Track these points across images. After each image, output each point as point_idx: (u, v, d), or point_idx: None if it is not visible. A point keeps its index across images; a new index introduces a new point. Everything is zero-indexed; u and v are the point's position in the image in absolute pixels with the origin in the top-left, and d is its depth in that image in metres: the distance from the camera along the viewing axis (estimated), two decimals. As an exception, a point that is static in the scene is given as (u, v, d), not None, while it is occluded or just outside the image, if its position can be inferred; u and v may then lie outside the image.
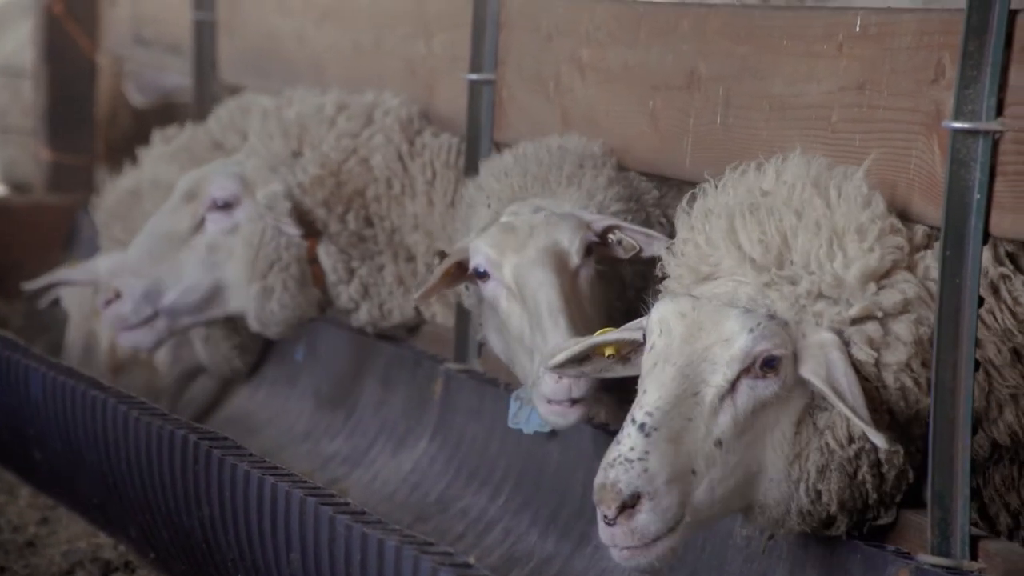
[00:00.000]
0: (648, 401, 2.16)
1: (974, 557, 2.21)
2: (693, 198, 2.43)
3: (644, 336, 2.27)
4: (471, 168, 3.34)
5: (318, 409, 3.87)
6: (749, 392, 2.19)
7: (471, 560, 2.21)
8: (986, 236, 2.23)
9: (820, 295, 2.26)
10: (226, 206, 3.48)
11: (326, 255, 3.47)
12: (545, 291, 2.69)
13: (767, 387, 2.20)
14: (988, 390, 2.28)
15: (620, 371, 2.38)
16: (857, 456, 2.24)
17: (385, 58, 3.89)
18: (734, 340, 2.18)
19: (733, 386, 2.18)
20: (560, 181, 2.88)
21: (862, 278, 2.26)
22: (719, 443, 2.17)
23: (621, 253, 2.80)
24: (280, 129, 3.53)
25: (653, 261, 2.90)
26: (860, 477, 2.25)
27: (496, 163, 3.00)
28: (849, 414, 2.16)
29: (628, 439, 2.14)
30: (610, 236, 2.81)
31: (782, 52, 2.65)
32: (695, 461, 2.15)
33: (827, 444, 2.22)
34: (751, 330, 2.18)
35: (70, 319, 4.12)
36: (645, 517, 2.11)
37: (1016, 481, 2.33)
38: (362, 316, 3.57)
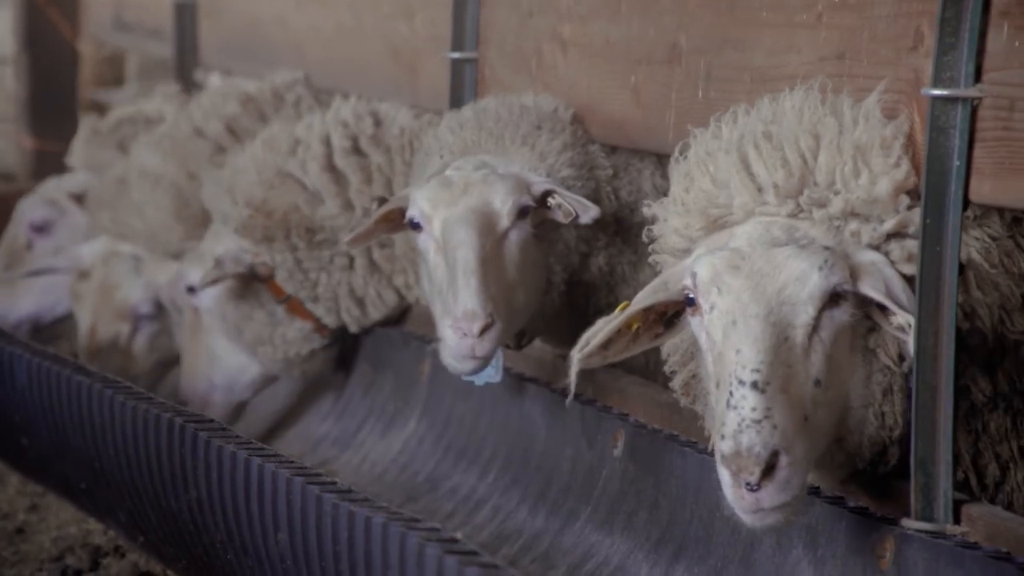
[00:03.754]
0: (749, 358, 2.11)
1: (957, 521, 2.22)
2: (686, 147, 2.40)
3: (689, 299, 2.22)
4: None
5: (307, 392, 3.87)
6: (830, 323, 2.17)
7: (458, 535, 2.21)
8: (966, 203, 2.23)
9: (852, 213, 2.25)
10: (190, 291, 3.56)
11: (289, 284, 3.46)
12: (463, 251, 2.72)
13: (843, 313, 2.18)
14: (999, 334, 2.27)
15: (643, 346, 2.32)
16: (910, 375, 2.23)
17: (367, 39, 3.88)
18: (806, 278, 2.15)
19: (816, 323, 2.16)
20: (514, 140, 2.90)
21: (893, 192, 2.25)
22: (818, 382, 2.15)
23: (560, 217, 2.82)
24: (219, 185, 3.52)
25: (600, 226, 2.91)
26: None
27: (456, 116, 3.02)
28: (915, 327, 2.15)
29: (745, 401, 2.08)
30: (550, 200, 2.82)
31: (763, 24, 2.64)
32: (805, 406, 2.13)
33: (884, 364, 2.23)
34: (820, 268, 2.16)
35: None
36: (787, 472, 2.07)
37: (1008, 431, 2.33)
38: (352, 324, 3.55)
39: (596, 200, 2.90)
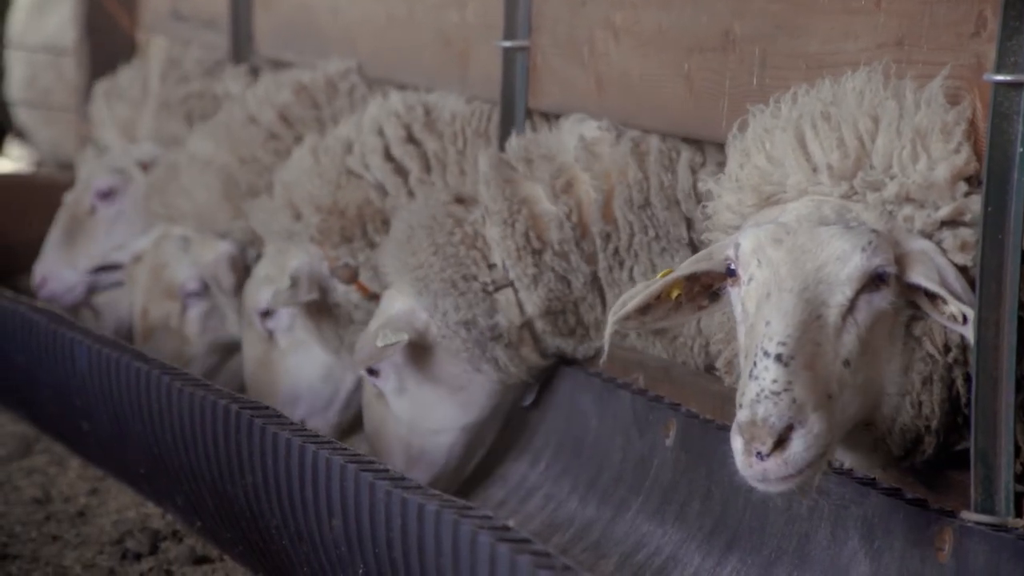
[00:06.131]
0: (777, 331, 2.11)
1: (1018, 514, 2.19)
2: (744, 124, 2.39)
3: (730, 270, 2.22)
4: (506, 135, 3.34)
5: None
6: (867, 307, 2.16)
7: (510, 523, 2.21)
8: (1030, 190, 2.20)
9: (907, 199, 2.23)
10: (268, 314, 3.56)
11: (375, 281, 3.44)
12: None
13: (882, 299, 2.16)
14: None
15: (685, 315, 2.32)
16: (953, 365, 2.22)
17: (418, 28, 3.88)
18: (847, 259, 2.14)
19: (852, 304, 2.15)
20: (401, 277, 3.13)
21: (951, 177, 2.22)
22: (847, 363, 2.14)
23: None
24: (271, 205, 3.51)
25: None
26: (955, 390, 2.23)
27: (389, 240, 3.23)
28: (971, 316, 2.13)
29: (767, 372, 2.08)
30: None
31: (818, 10, 2.61)
32: (830, 385, 2.12)
33: (928, 353, 2.21)
34: (863, 248, 2.15)
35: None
36: (798, 446, 2.08)
37: None
38: None
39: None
